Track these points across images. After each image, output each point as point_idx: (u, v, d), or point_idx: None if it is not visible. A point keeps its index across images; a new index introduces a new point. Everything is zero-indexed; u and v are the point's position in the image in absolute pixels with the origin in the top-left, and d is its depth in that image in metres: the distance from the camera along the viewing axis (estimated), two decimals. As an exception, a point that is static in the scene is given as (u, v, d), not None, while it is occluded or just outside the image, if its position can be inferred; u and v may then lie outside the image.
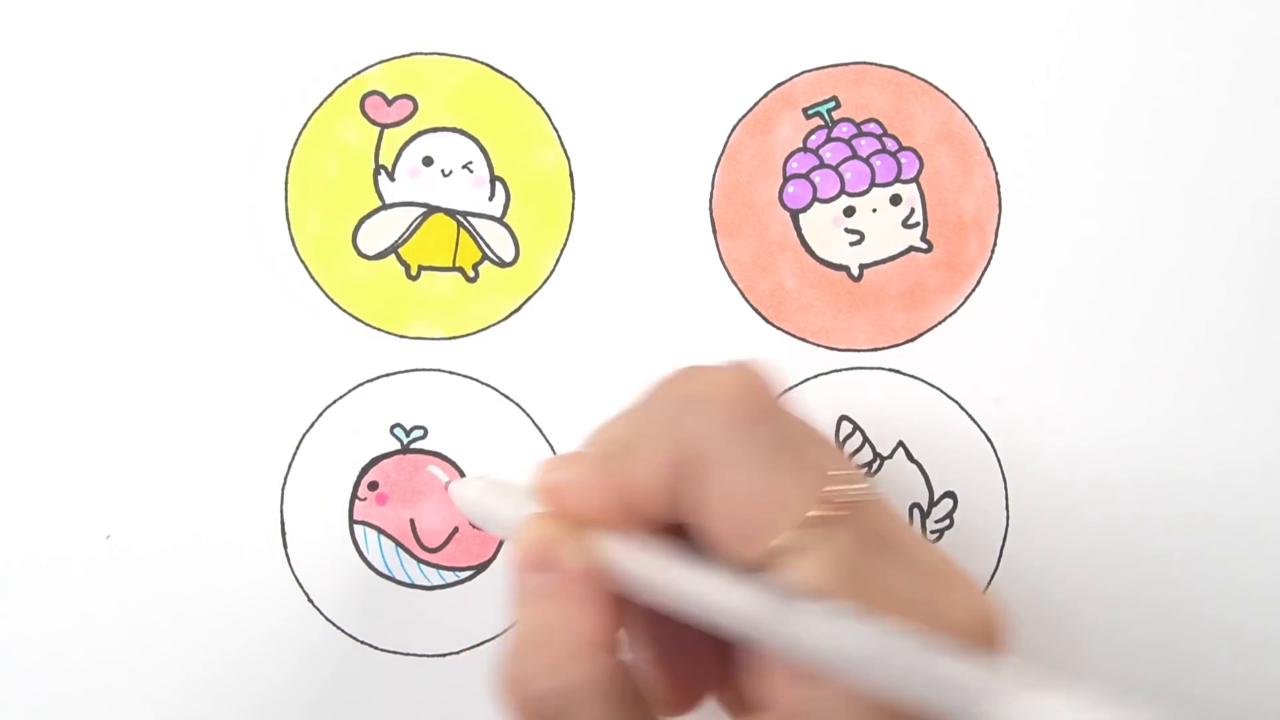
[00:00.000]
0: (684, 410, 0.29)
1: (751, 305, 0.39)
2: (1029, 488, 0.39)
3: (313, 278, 0.39)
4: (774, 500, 0.28)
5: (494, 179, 0.39)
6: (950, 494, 0.39)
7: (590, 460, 0.31)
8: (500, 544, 0.39)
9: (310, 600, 0.39)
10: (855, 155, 0.39)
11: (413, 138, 0.39)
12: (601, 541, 0.30)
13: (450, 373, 0.39)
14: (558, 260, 0.39)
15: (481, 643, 0.39)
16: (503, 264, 0.39)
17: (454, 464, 0.39)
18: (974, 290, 0.39)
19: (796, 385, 0.39)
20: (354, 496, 0.39)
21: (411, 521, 0.39)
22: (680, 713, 0.32)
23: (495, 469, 0.39)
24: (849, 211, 0.39)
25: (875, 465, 0.39)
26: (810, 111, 0.39)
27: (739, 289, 0.39)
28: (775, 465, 0.28)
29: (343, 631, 0.39)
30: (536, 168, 0.39)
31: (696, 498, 0.29)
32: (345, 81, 0.39)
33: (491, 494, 0.35)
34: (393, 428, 0.39)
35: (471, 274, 0.39)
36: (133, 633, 0.38)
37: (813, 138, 0.39)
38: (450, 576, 0.39)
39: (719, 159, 0.39)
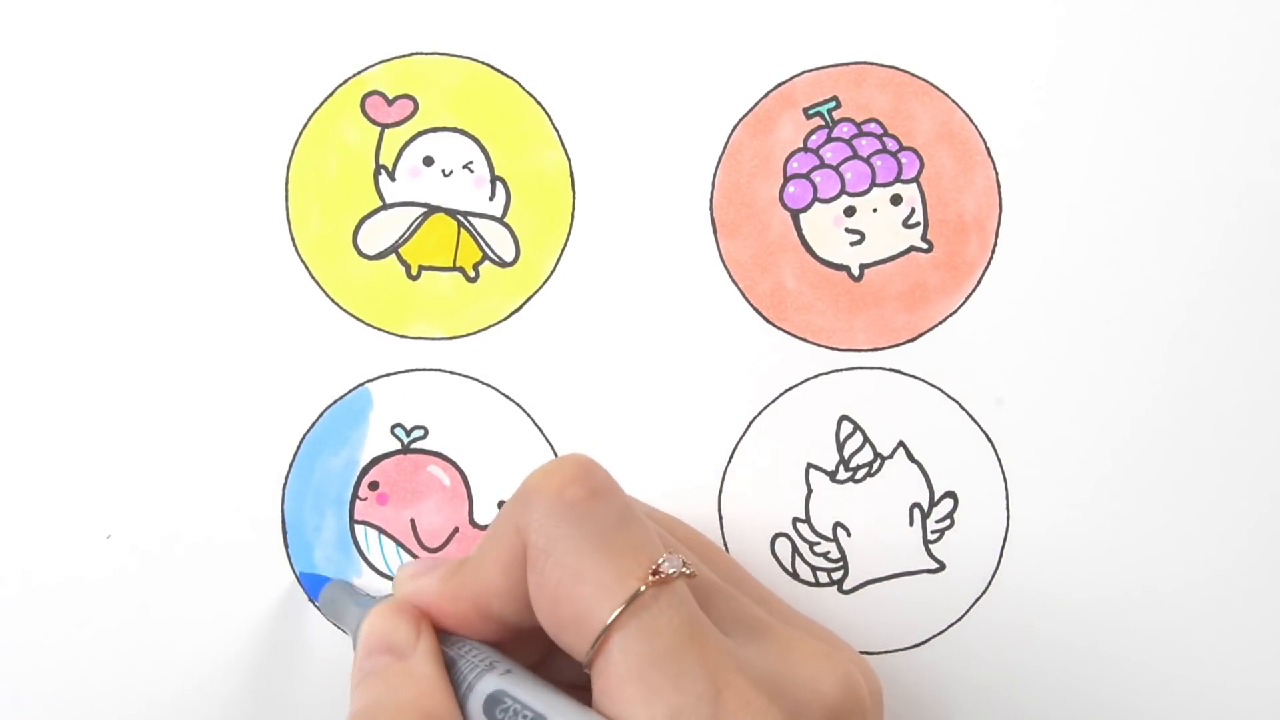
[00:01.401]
0: (517, 507, 0.30)
1: (752, 305, 0.39)
2: (1029, 488, 0.39)
3: (313, 278, 0.39)
4: (598, 583, 0.28)
5: (494, 179, 0.39)
6: (950, 494, 0.39)
7: (444, 569, 0.32)
8: (500, 544, 0.39)
9: (310, 600, 0.39)
10: (856, 155, 0.39)
11: (413, 138, 0.39)
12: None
13: (450, 373, 0.39)
14: (558, 260, 0.39)
15: (482, 643, 0.39)
16: (503, 264, 0.39)
17: (454, 464, 0.39)
18: (974, 290, 0.39)
19: (796, 385, 0.39)
20: (354, 496, 0.39)
21: (412, 521, 0.39)
22: None
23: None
24: (849, 211, 0.39)
25: (875, 465, 0.39)
26: (811, 111, 0.39)
27: (739, 289, 0.39)
28: (598, 549, 0.29)
29: (343, 631, 0.39)
30: (537, 168, 0.39)
31: (532, 590, 0.29)
32: (345, 81, 0.39)
33: (344, 594, 0.36)
34: (393, 428, 0.39)
35: (472, 274, 0.39)
36: (133, 633, 0.38)
37: (813, 138, 0.39)
38: (450, 576, 0.39)
39: (719, 159, 0.39)
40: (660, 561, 0.28)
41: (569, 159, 0.39)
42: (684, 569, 0.29)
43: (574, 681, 0.30)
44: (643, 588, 0.28)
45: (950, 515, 0.39)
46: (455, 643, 0.32)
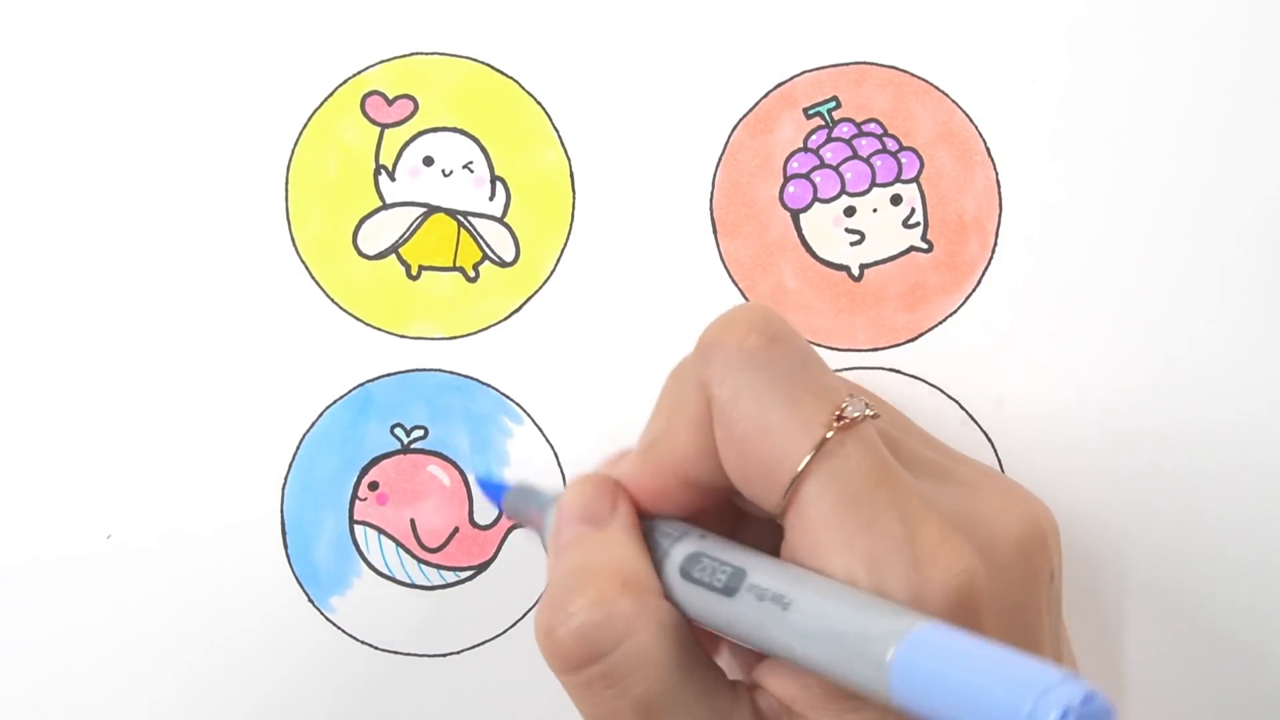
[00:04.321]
0: (697, 362, 0.29)
1: (752, 305, 0.39)
2: (1029, 488, 0.39)
3: (313, 278, 0.39)
4: (785, 432, 0.28)
5: (494, 179, 0.39)
6: (950, 494, 0.39)
7: (636, 450, 0.32)
8: (501, 543, 0.39)
9: (310, 600, 0.39)
10: (856, 155, 0.39)
11: (413, 137, 0.39)
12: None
13: (450, 373, 0.39)
14: (558, 260, 0.39)
15: (481, 643, 0.39)
16: (503, 264, 0.39)
17: (454, 464, 0.39)
18: (974, 290, 0.39)
19: (797, 385, 0.39)
20: (354, 496, 0.39)
21: (412, 521, 0.39)
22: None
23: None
24: (849, 211, 0.39)
25: (875, 465, 0.39)
26: (811, 111, 0.39)
27: (740, 289, 0.39)
28: (782, 397, 0.28)
29: (343, 631, 0.39)
30: (537, 168, 0.39)
31: (720, 445, 0.29)
32: (345, 81, 0.39)
33: (528, 495, 0.36)
34: (393, 428, 0.39)
35: (472, 274, 0.39)
36: (132, 633, 0.38)
37: (813, 138, 0.39)
38: (450, 576, 0.39)
39: (719, 159, 0.39)
40: (844, 405, 0.28)
41: (569, 159, 0.39)
42: (868, 411, 0.28)
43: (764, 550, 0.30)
44: (829, 433, 0.27)
45: (950, 515, 0.39)
46: (649, 521, 0.32)
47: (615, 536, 0.30)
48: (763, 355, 0.28)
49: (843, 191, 0.39)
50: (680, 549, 0.30)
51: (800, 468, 0.27)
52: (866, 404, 0.28)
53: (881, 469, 0.28)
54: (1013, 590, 0.29)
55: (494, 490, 0.38)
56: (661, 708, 0.28)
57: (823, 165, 0.39)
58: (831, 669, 0.26)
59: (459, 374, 0.39)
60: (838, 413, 0.28)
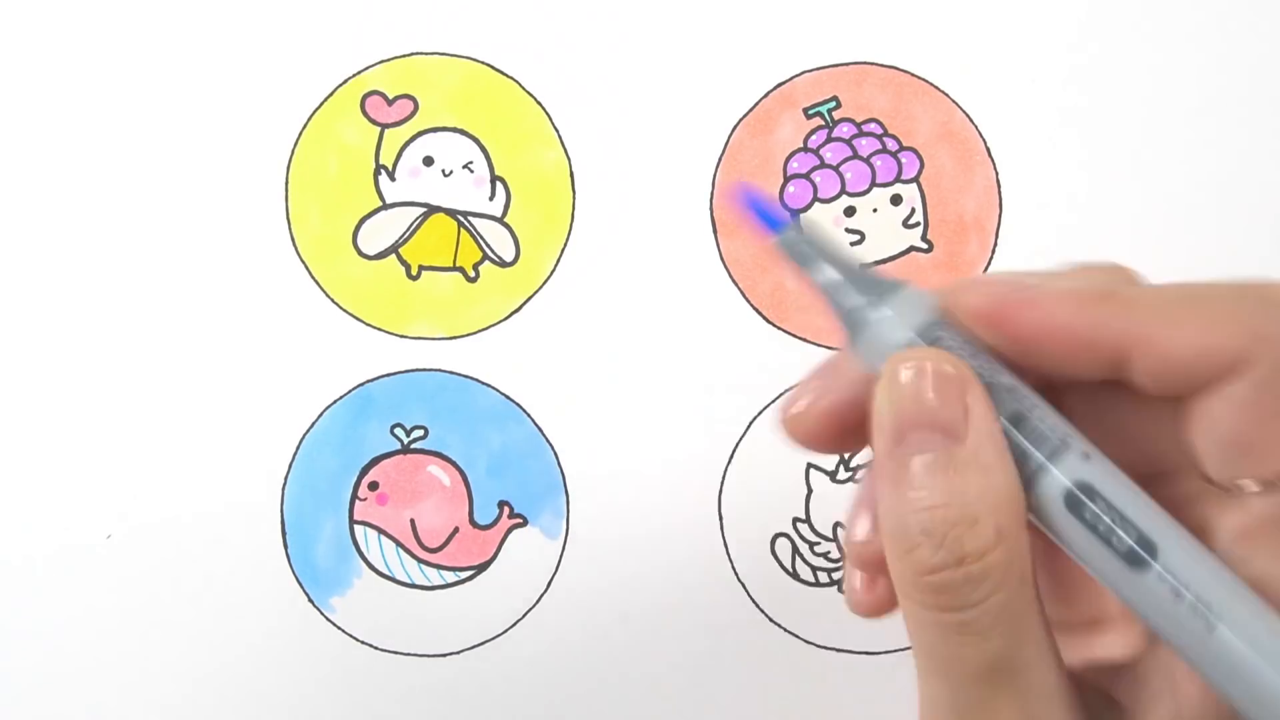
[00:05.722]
0: (1260, 297, 0.23)
1: (752, 305, 0.39)
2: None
3: (313, 278, 0.39)
4: (1232, 299, 0.23)
5: (494, 179, 0.39)
6: (950, 494, 0.39)
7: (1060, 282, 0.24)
8: (501, 543, 0.39)
9: (310, 600, 0.39)
10: (856, 155, 0.39)
11: (413, 137, 0.39)
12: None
13: (450, 373, 0.39)
14: (558, 260, 0.39)
15: (481, 643, 0.39)
16: (503, 264, 0.39)
17: (454, 464, 0.39)
18: (974, 290, 0.39)
19: (796, 385, 0.39)
20: (354, 496, 0.39)
21: (411, 521, 0.39)
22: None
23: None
24: (849, 211, 0.39)
25: (875, 465, 0.39)
26: (811, 111, 0.39)
27: (740, 289, 0.39)
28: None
29: (343, 631, 0.39)
30: (537, 168, 0.39)
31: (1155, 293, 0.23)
32: (346, 81, 0.39)
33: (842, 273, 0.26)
34: (393, 428, 0.39)
35: (472, 274, 0.39)
36: (133, 633, 0.38)
37: (813, 138, 0.39)
38: (450, 576, 0.39)
39: (720, 159, 0.39)
40: None
41: (569, 159, 0.39)
42: None
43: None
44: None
45: (950, 515, 0.39)
46: (1006, 403, 0.24)
47: (984, 458, 0.24)
48: None
49: (843, 191, 0.39)
50: (1064, 469, 0.23)
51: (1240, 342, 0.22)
52: None
53: None
54: None
55: (769, 218, 0.26)
56: (1012, 670, 0.24)
57: (823, 165, 0.39)
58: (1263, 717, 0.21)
59: (459, 374, 0.39)
60: None
